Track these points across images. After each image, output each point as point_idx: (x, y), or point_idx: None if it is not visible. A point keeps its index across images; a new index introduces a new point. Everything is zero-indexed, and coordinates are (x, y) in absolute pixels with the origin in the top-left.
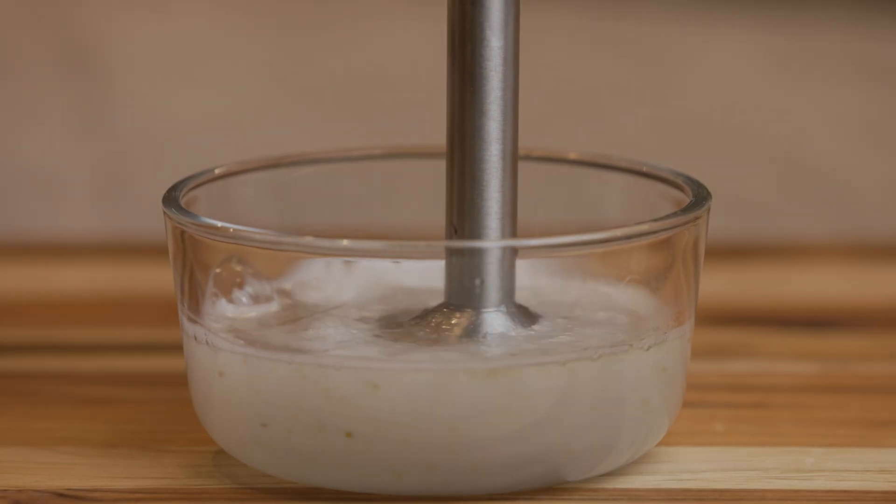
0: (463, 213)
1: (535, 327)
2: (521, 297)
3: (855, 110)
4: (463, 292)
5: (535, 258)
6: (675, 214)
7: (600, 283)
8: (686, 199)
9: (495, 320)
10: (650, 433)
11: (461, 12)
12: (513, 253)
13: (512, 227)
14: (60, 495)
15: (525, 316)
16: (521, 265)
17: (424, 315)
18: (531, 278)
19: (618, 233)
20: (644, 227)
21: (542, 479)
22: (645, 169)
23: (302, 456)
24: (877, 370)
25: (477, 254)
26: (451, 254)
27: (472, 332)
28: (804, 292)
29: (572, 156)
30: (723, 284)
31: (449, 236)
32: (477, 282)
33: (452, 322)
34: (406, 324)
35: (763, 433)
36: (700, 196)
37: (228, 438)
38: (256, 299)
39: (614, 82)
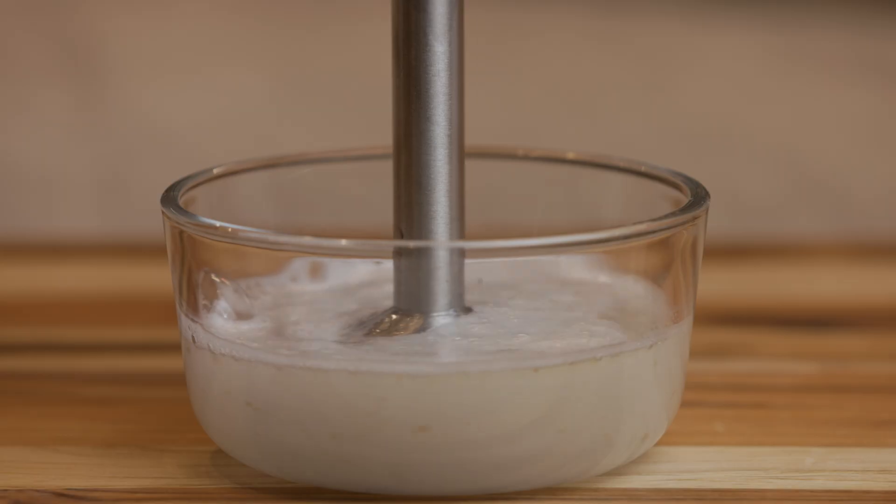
0: (410, 218)
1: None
2: (515, 297)
3: (855, 110)
4: (411, 297)
5: (531, 258)
6: (673, 214)
7: (599, 282)
8: (685, 199)
9: (452, 324)
10: (649, 432)
11: (405, 17)
12: (462, 256)
13: (459, 230)
14: (60, 495)
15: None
16: (522, 264)
17: (375, 320)
18: (528, 278)
19: (616, 233)
20: (642, 227)
21: (541, 478)
22: (643, 169)
23: (301, 456)
24: (877, 370)
25: (427, 255)
26: (398, 257)
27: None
28: (804, 292)
29: (571, 156)
30: (723, 284)
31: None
32: (456, 281)
33: (402, 327)
34: (362, 330)
35: (763, 433)
36: (698, 196)
37: (226, 438)
38: (254, 300)
39: (614, 82)
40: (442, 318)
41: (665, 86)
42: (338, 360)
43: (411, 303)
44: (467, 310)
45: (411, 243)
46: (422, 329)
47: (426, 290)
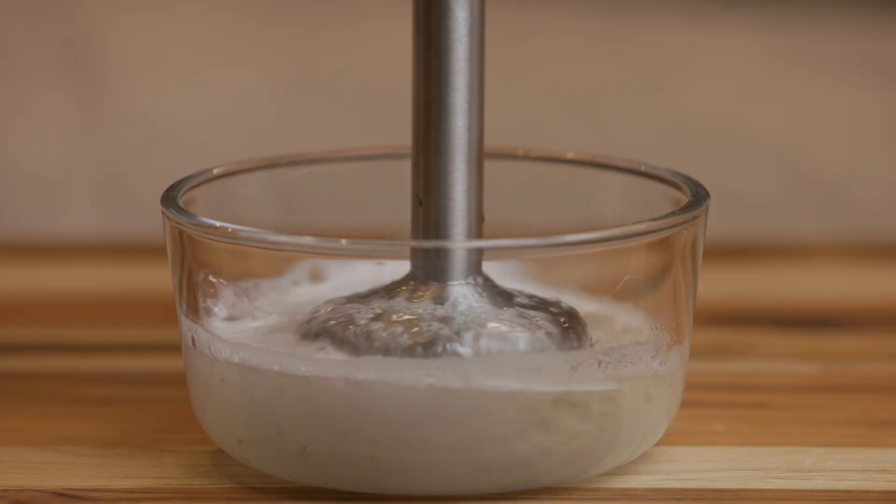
0: (429, 185)
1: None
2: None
3: (855, 110)
4: (428, 267)
5: (530, 259)
6: (673, 214)
7: (599, 282)
8: (684, 199)
9: (467, 296)
10: (648, 432)
11: None
12: (479, 222)
13: (478, 198)
14: (60, 495)
15: (496, 293)
16: (518, 264)
17: (390, 291)
18: (527, 277)
19: (616, 232)
20: (642, 227)
21: (541, 478)
22: (643, 169)
23: (301, 456)
24: (877, 370)
25: (444, 227)
26: (416, 229)
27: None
28: (804, 292)
29: (570, 155)
30: (723, 284)
31: (414, 208)
32: (473, 248)
33: (418, 296)
34: (375, 300)
35: (763, 433)
36: (698, 196)
37: (226, 437)
38: (252, 300)
39: (614, 82)
40: (460, 288)
41: (665, 86)
42: (336, 367)
43: (428, 271)
44: (486, 278)
45: (427, 243)
46: (439, 299)
47: (444, 259)
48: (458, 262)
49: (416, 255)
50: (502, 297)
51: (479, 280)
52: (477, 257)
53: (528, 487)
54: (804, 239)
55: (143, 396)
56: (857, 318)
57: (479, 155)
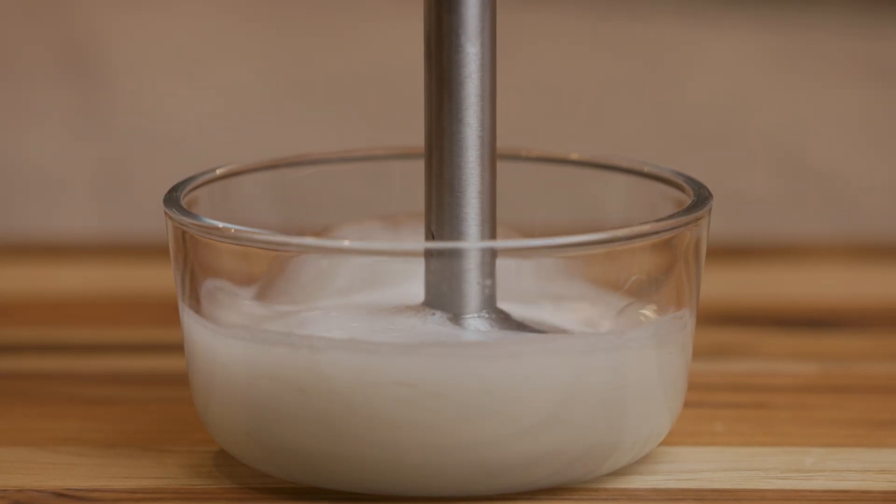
0: (441, 219)
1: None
2: (524, 298)
3: (855, 110)
4: (442, 298)
5: (536, 259)
6: (676, 215)
7: (601, 283)
8: (687, 200)
9: (480, 328)
10: (652, 434)
11: (437, 18)
12: (493, 257)
13: (490, 232)
14: (60, 495)
15: (509, 323)
16: (525, 265)
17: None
18: (533, 278)
19: (619, 233)
20: (646, 228)
21: (545, 479)
22: (646, 169)
23: (302, 455)
24: (877, 370)
25: (457, 257)
26: (430, 258)
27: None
28: (804, 292)
29: (573, 156)
30: (723, 284)
31: (427, 241)
32: (487, 283)
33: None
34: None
35: (763, 433)
36: (701, 196)
37: (228, 436)
38: (256, 300)
39: (615, 82)
40: (474, 321)
41: (666, 86)
42: (337, 354)
43: (443, 304)
44: (500, 311)
45: (441, 245)
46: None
47: (458, 292)
48: (473, 296)
49: (430, 289)
50: (516, 329)
51: (493, 315)
52: (491, 291)
53: (531, 488)
54: (804, 239)
55: (143, 396)
56: (857, 318)
57: (492, 189)
